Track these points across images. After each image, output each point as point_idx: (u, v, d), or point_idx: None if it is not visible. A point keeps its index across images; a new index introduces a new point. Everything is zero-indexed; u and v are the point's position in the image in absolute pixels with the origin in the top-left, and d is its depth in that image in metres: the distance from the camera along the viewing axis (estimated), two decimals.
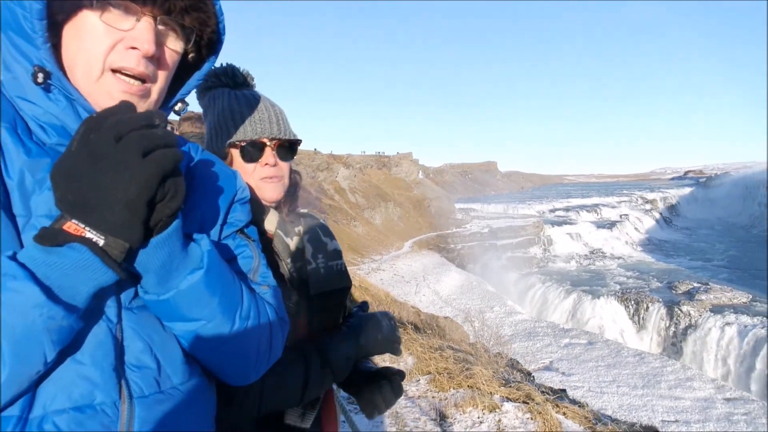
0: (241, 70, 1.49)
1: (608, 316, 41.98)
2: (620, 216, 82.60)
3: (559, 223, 72.83)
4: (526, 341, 36.32)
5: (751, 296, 40.76)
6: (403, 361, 5.11)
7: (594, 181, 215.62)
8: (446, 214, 77.42)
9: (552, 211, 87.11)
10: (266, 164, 1.36)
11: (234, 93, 1.43)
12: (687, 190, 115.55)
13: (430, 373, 4.60)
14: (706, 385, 29.64)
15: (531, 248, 62.28)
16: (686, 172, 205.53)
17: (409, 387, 4.60)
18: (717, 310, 38.18)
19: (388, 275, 46.70)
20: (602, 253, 63.31)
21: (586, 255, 62.12)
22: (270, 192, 1.37)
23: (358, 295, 10.45)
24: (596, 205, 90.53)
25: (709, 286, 42.61)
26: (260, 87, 1.53)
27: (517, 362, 7.87)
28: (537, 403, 3.89)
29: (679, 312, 39.16)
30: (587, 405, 4.65)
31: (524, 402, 3.94)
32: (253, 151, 1.36)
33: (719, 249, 67.83)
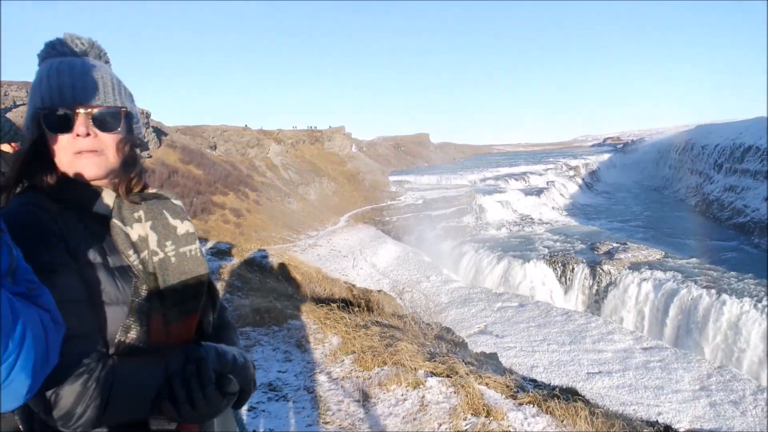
0: (83, 38, 1.24)
1: (538, 279, 43.86)
2: (547, 183, 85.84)
3: (490, 192, 74.84)
4: (461, 308, 37.43)
5: (664, 253, 43.90)
6: (329, 342, 4.99)
7: (522, 150, 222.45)
8: (381, 187, 77.57)
9: (483, 180, 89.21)
10: (78, 135, 1.14)
11: (54, 61, 1.20)
12: (606, 156, 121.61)
13: (354, 352, 4.52)
14: (625, 337, 31.83)
15: (464, 217, 63.67)
16: (605, 139, 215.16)
17: (334, 368, 4.50)
18: (634, 267, 40.81)
19: (325, 251, 46.48)
20: (531, 219, 65.77)
21: (515, 221, 64.32)
22: (86, 169, 1.15)
23: (287, 274, 10.24)
24: (524, 173, 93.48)
25: (627, 246, 45.44)
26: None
27: (450, 331, 7.97)
28: (460, 376, 3.89)
29: (600, 271, 41.54)
30: (510, 373, 4.72)
31: (448, 376, 3.93)
32: (58, 120, 1.14)
33: (635, 210, 72.31)
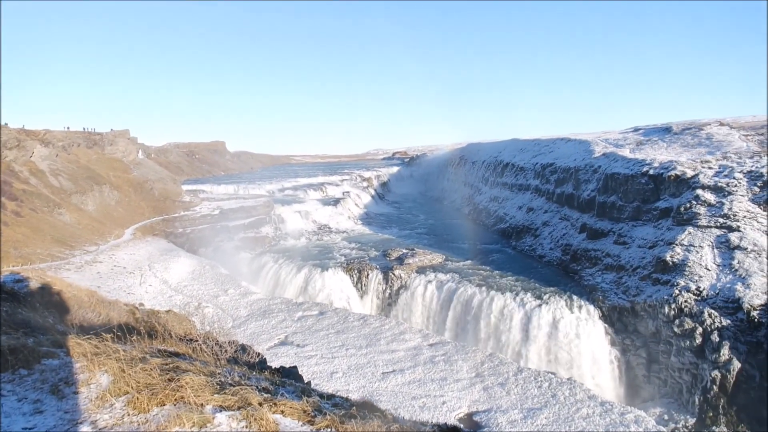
0: None
1: (336, 286, 45.18)
2: (343, 193, 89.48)
3: (289, 202, 75.09)
4: (261, 320, 36.61)
5: (445, 256, 49.11)
6: (96, 383, 4.21)
7: (319, 161, 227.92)
8: (172, 197, 72.19)
9: (281, 190, 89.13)
10: None
11: None
12: (395, 169, 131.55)
13: (128, 392, 3.84)
14: (415, 336, 34.59)
15: (263, 228, 62.64)
16: (394, 153, 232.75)
17: (101, 415, 3.75)
18: (421, 270, 44.80)
19: (107, 267, 41.35)
20: (329, 228, 67.71)
21: (314, 231, 65.51)
22: None
23: (52, 300, 8.62)
24: (322, 183, 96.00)
25: (414, 251, 49.73)
26: None
27: (246, 349, 7.56)
28: (254, 408, 3.60)
29: (392, 276, 44.60)
30: (308, 394, 4.58)
31: (240, 408, 3.61)
32: None
33: (421, 219, 79.59)
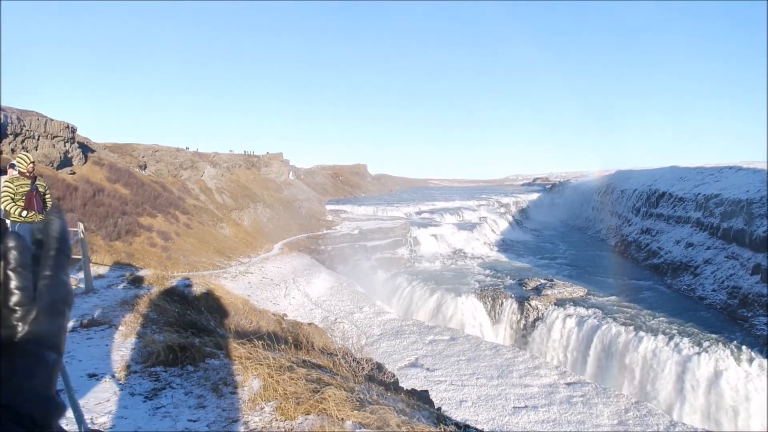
0: None
1: (468, 312, 44.50)
2: (479, 218, 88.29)
3: (425, 225, 75.94)
4: (393, 339, 37.28)
5: (587, 290, 45.94)
6: (248, 386, 4.60)
7: (456, 185, 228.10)
8: (317, 216, 77.01)
9: (418, 213, 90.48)
10: None
11: None
12: (535, 196, 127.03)
13: (276, 398, 4.14)
14: (551, 372, 32.71)
15: (399, 249, 64.08)
16: (535, 179, 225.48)
17: (252, 417, 4.09)
18: (560, 303, 42.34)
19: (257, 278, 45.18)
20: (463, 253, 67.19)
21: (449, 255, 65.43)
22: None
23: (213, 304, 9.66)
24: (458, 208, 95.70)
25: (553, 282, 47.23)
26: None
27: (381, 368, 7.74)
28: (392, 429, 3.67)
29: (528, 306, 42.77)
30: (444, 423, 4.55)
31: (378, 427, 3.69)
32: None
33: (561, 248, 75.58)
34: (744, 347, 32.59)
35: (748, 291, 40.68)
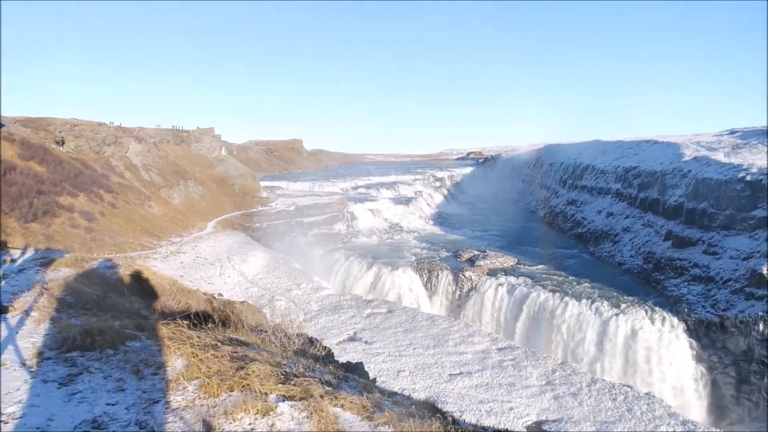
0: None
1: (405, 285, 45.36)
2: (415, 193, 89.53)
3: (362, 200, 76.13)
4: (332, 314, 37.47)
5: (517, 260, 47.91)
6: (171, 366, 4.49)
7: (392, 160, 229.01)
8: (251, 193, 75.29)
9: (355, 188, 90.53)
10: None
11: None
12: (469, 170, 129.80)
13: (200, 377, 4.07)
14: (483, 339, 34.10)
15: (336, 225, 63.97)
16: (468, 153, 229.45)
17: (174, 397, 4.01)
18: (492, 273, 43.96)
19: (190, 258, 43.84)
20: (400, 227, 68.07)
21: (385, 229, 66.09)
22: None
23: (139, 286, 9.26)
24: (394, 182, 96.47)
25: (486, 253, 48.89)
26: None
27: (313, 342, 7.75)
28: (315, 399, 3.70)
29: (463, 277, 44.10)
30: (370, 390, 4.63)
31: (302, 399, 3.72)
32: None
33: (494, 220, 78.13)
34: (657, 308, 35.33)
35: (660, 256, 43.84)
